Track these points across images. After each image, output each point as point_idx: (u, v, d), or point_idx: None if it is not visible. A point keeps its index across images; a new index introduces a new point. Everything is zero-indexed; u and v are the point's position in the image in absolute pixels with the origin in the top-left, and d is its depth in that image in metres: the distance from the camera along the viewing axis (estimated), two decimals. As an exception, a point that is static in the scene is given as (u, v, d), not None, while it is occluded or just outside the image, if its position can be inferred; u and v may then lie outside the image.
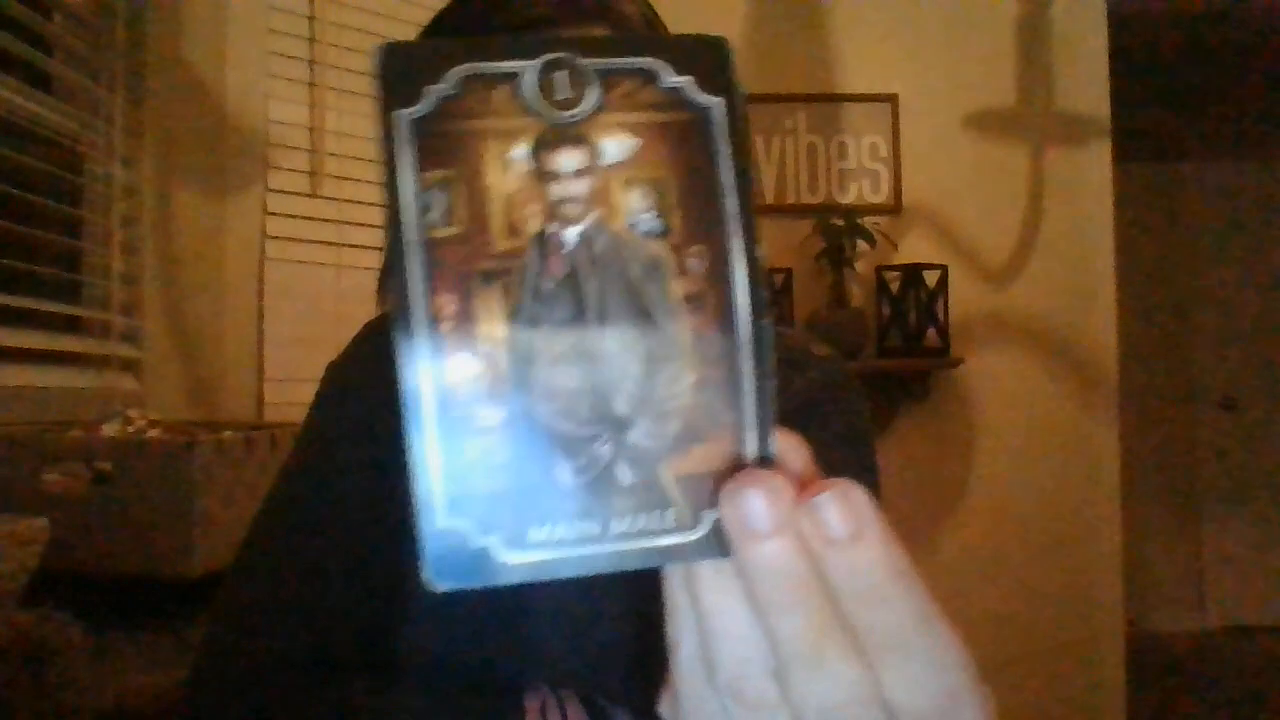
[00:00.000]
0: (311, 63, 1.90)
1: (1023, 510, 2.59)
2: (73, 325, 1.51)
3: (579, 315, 0.26)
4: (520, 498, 0.25)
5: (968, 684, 0.26)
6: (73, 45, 1.50)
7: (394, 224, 0.25)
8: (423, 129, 0.26)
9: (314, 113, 1.90)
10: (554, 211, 0.26)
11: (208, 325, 1.73)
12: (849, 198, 2.59)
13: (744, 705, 0.26)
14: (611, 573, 0.26)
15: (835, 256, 2.45)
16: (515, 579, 0.25)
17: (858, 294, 2.56)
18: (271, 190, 1.83)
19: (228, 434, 1.18)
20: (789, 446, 0.27)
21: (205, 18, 1.72)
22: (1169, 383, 4.44)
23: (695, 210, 0.27)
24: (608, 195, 0.27)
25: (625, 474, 0.26)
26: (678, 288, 0.26)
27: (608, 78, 0.27)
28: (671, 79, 0.27)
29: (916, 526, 2.54)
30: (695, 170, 0.27)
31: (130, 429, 1.21)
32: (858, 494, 0.25)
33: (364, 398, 0.71)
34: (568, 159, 0.27)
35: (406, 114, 0.26)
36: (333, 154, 1.92)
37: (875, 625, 0.25)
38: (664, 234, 0.27)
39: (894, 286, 2.51)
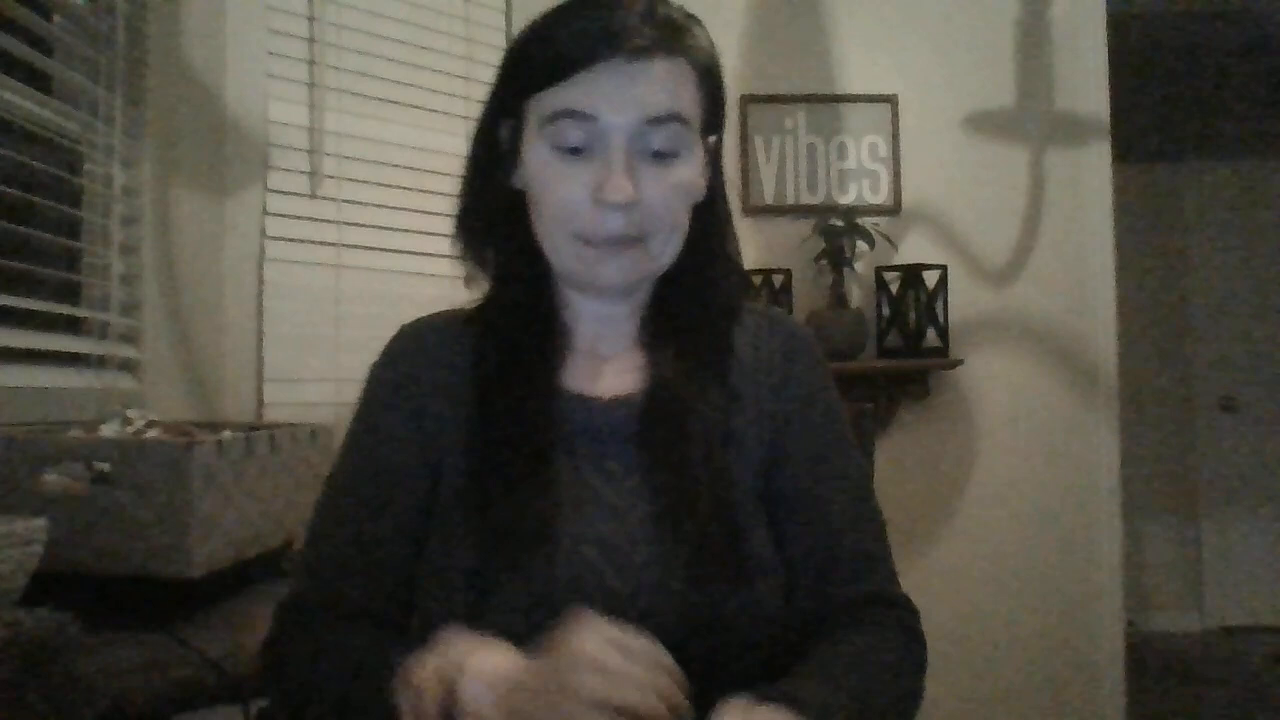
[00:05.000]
0: (311, 63, 1.90)
1: (1022, 510, 2.59)
2: (73, 325, 1.51)
3: None
4: None
5: None
6: (73, 45, 1.50)
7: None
8: None
9: (314, 113, 1.90)
10: None
11: (208, 325, 1.73)
12: (849, 198, 2.59)
13: None
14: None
15: (835, 257, 2.45)
16: None
17: (858, 294, 2.56)
18: (271, 190, 1.83)
19: (228, 434, 1.18)
20: None
21: (205, 18, 1.72)
22: (1169, 383, 4.44)
23: None
24: None
25: None
26: None
27: None
28: None
29: (916, 526, 2.54)
30: None
31: (130, 429, 1.21)
32: None
33: (414, 390, 0.83)
34: None
35: None
36: (332, 154, 1.92)
37: None
38: None
39: (894, 287, 2.51)
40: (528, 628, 0.69)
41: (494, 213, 0.84)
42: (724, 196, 0.88)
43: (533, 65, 0.77)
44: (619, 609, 0.71)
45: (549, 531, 0.74)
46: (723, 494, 0.77)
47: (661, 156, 0.77)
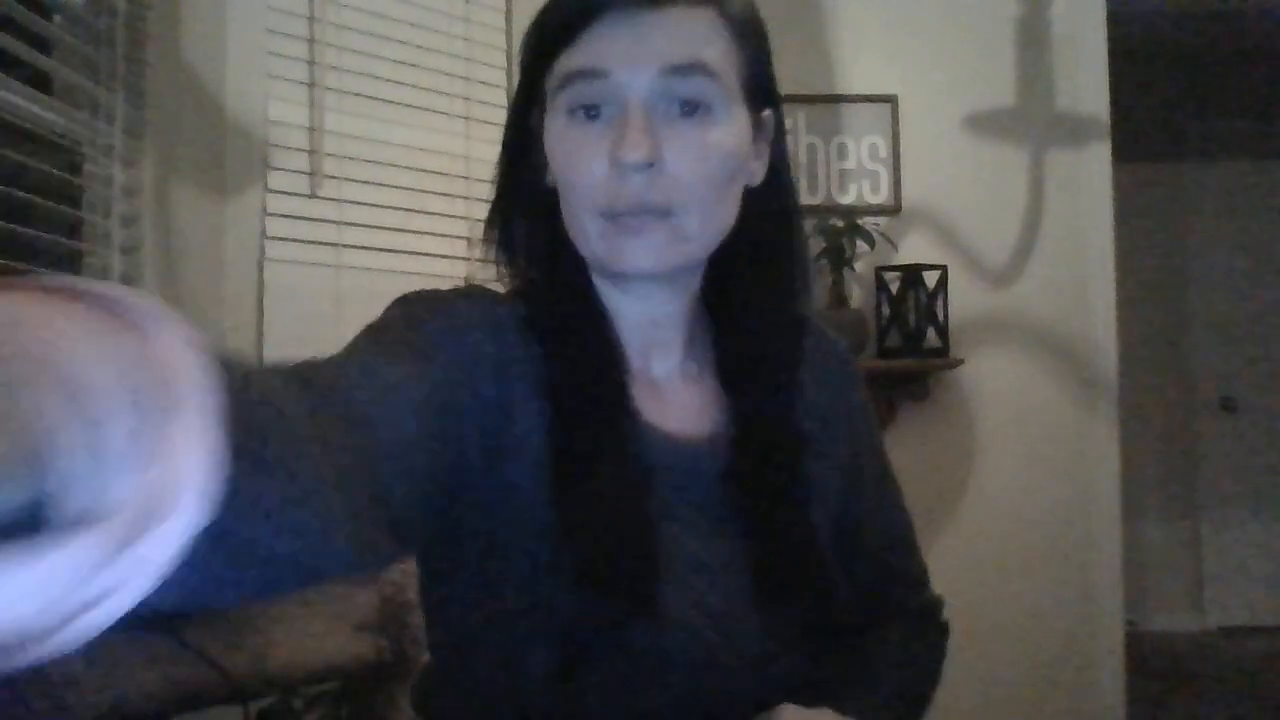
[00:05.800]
0: (311, 63, 1.90)
1: (1022, 511, 2.59)
2: (73, 325, 1.50)
3: None
4: None
5: None
6: (73, 45, 1.50)
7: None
8: None
9: (314, 113, 1.90)
10: None
11: (208, 325, 1.73)
12: (849, 198, 2.59)
13: None
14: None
15: (835, 257, 2.45)
16: None
17: (858, 294, 2.56)
18: (271, 190, 1.83)
19: (227, 434, 1.17)
20: None
21: (205, 18, 1.72)
22: (1169, 383, 4.44)
23: None
24: None
25: None
26: None
27: None
28: None
29: (916, 526, 2.53)
30: None
31: (130, 429, 1.20)
32: None
33: (474, 355, 0.67)
34: None
35: None
36: (332, 154, 1.92)
37: None
38: None
39: (894, 287, 2.51)
40: (631, 695, 0.66)
41: (529, 210, 0.76)
42: (789, 184, 0.77)
43: (544, 34, 0.70)
44: (729, 683, 0.68)
45: (653, 595, 0.66)
46: (818, 554, 0.73)
47: (690, 110, 0.67)
